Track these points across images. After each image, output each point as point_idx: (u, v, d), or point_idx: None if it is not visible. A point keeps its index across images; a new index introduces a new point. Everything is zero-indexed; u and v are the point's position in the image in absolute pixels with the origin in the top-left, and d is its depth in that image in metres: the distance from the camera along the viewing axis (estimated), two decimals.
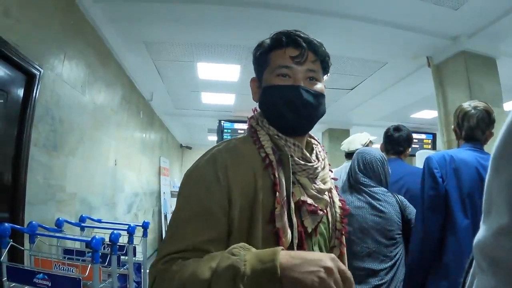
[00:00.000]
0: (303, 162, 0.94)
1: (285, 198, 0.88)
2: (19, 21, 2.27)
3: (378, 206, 2.00)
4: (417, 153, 4.92)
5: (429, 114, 7.03)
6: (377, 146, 3.24)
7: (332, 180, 1.10)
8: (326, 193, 1.01)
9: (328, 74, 1.07)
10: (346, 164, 3.05)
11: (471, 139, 1.89)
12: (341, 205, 1.08)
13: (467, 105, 1.92)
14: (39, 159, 2.53)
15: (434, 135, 7.28)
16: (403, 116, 7.33)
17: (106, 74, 3.87)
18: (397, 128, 2.64)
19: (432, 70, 4.24)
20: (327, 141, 8.35)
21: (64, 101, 2.88)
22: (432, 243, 1.76)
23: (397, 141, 2.61)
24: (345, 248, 1.07)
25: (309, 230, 0.94)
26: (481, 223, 0.35)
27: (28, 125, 2.38)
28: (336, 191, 1.11)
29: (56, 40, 2.74)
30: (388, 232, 1.96)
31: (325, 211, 0.99)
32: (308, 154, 0.97)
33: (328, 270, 0.64)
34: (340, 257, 1.04)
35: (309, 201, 0.93)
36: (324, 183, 1.00)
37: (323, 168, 1.02)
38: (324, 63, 1.02)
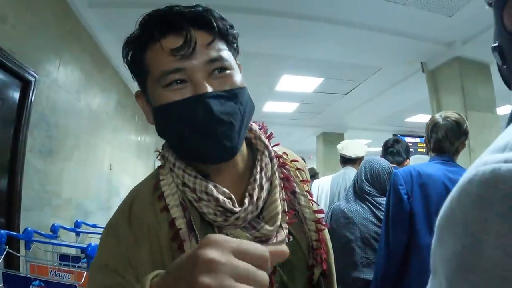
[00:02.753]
0: (220, 219, 0.66)
1: None
2: (15, 27, 2.27)
3: (381, 216, 2.00)
4: (411, 158, 4.94)
5: (424, 118, 7.07)
6: (372, 150, 3.26)
7: (303, 185, 0.81)
8: (282, 226, 0.71)
9: (239, 52, 0.75)
10: (344, 171, 3.00)
11: (439, 151, 1.84)
12: (316, 219, 0.77)
13: (438, 116, 1.88)
14: (35, 165, 2.53)
15: None
16: (397, 120, 7.39)
17: (101, 79, 3.87)
18: (396, 140, 2.77)
19: (426, 75, 4.29)
20: (322, 145, 8.39)
21: (60, 106, 2.88)
22: (396, 261, 1.72)
23: (398, 153, 2.72)
24: (329, 265, 0.78)
25: None
26: (430, 278, 0.36)
27: (24, 131, 2.37)
28: (311, 197, 0.80)
29: (52, 46, 2.74)
30: None
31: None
32: (228, 204, 0.66)
33: (208, 264, 0.36)
34: (323, 274, 0.76)
35: None
36: (272, 222, 0.69)
37: (270, 195, 0.72)
38: (227, 36, 0.70)
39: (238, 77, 0.69)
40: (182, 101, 0.64)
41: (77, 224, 2.97)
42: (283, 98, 6.20)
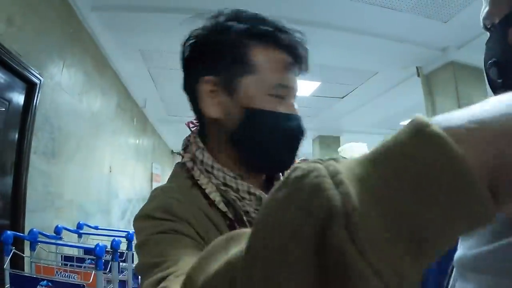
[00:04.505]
0: (246, 189, 0.69)
1: None
2: (21, 29, 2.29)
3: None
4: None
5: None
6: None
7: None
8: None
9: None
10: None
11: None
12: None
13: None
14: (39, 167, 2.55)
15: None
16: (392, 123, 7.45)
17: (102, 81, 3.89)
18: None
19: (421, 80, 4.36)
20: (318, 148, 8.43)
21: (63, 109, 2.91)
22: None
23: None
24: None
25: None
26: (459, 241, 0.43)
27: (29, 133, 2.40)
28: None
29: (56, 48, 2.77)
30: None
31: None
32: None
33: None
34: None
35: None
36: None
37: None
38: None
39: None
40: (287, 115, 0.69)
41: (79, 226, 2.99)
42: None
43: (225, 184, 0.68)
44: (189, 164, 0.71)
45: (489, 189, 0.21)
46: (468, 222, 0.22)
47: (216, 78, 0.69)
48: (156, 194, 0.68)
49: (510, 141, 0.22)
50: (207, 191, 0.67)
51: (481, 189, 0.21)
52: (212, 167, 0.69)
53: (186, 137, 0.79)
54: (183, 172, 0.72)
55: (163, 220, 0.60)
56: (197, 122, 0.79)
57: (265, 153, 0.69)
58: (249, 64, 0.67)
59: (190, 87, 0.74)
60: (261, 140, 0.69)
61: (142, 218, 0.64)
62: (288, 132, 0.69)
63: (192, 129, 0.80)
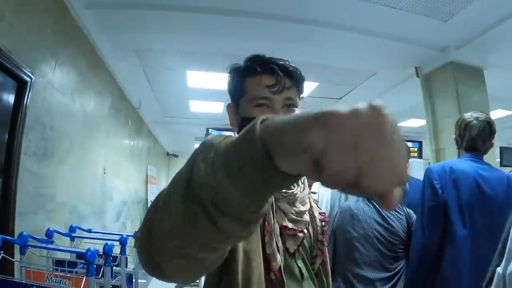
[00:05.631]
0: (284, 190, 0.92)
1: (273, 226, 0.89)
2: (12, 26, 2.21)
3: (386, 217, 2.02)
4: (409, 161, 4.97)
5: (416, 123, 7.14)
6: None
7: (312, 195, 1.10)
8: (306, 212, 1.00)
9: (302, 93, 1.06)
10: None
11: (472, 149, 1.94)
12: (321, 218, 1.07)
13: (469, 115, 1.97)
14: (30, 168, 2.47)
15: (420, 143, 7.39)
16: None
17: (96, 81, 3.81)
18: None
19: (420, 80, 4.32)
20: None
21: (55, 108, 2.82)
22: (430, 253, 1.80)
23: None
24: (327, 258, 1.05)
25: (291, 251, 0.93)
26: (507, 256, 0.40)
27: (19, 133, 2.31)
28: (316, 204, 1.10)
29: (48, 46, 2.69)
30: (391, 245, 1.98)
31: (305, 231, 0.97)
32: None
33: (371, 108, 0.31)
34: (323, 264, 1.03)
35: (290, 225, 0.93)
36: (303, 205, 0.99)
37: (303, 190, 1.01)
38: (300, 87, 1.01)
39: None
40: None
41: (72, 229, 2.91)
42: None
43: None
44: None
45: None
46: (249, 166, 0.39)
47: (232, 102, 1.04)
48: None
49: (283, 128, 0.36)
50: None
51: (255, 134, 0.40)
52: None
53: None
54: None
55: None
56: None
57: None
58: (243, 90, 0.99)
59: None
60: None
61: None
62: None
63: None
